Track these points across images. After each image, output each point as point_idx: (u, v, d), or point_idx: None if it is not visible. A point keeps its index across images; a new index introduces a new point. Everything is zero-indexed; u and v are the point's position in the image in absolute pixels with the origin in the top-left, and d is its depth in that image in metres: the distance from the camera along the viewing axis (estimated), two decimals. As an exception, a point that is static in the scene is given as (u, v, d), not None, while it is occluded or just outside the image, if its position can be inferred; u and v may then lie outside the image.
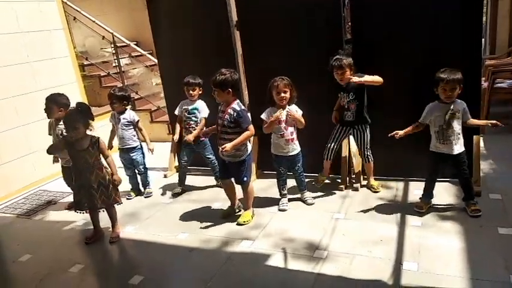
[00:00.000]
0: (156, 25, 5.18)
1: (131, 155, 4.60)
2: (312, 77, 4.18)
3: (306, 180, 4.21)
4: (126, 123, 4.53)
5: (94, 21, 7.25)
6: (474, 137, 3.97)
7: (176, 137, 4.62)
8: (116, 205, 3.89)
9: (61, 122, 4.25)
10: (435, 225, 3.43)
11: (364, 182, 4.31)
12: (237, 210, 4.06)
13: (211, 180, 4.83)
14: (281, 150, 3.95)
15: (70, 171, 4.28)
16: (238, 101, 3.71)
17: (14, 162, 5.22)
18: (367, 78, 3.82)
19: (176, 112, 4.66)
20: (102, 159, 3.76)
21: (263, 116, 3.88)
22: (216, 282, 3.04)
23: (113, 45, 7.20)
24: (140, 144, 4.67)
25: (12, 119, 5.19)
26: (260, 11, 4.49)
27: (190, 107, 4.53)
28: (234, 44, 4.68)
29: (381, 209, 3.82)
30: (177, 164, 5.26)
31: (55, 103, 4.26)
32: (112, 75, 7.50)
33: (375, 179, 4.24)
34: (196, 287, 3.05)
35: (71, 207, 4.54)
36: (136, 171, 4.73)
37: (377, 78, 3.83)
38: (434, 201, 3.72)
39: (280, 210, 4.02)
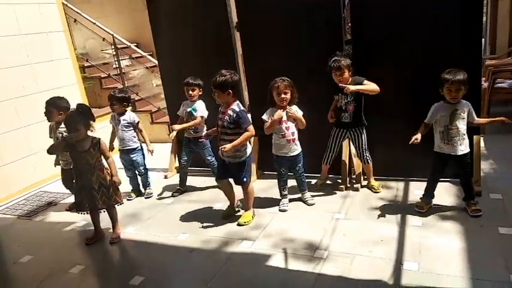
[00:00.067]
0: (156, 26, 5.19)
1: (131, 156, 4.60)
2: (312, 77, 4.19)
3: (307, 180, 4.21)
4: (126, 124, 4.54)
5: (94, 23, 7.26)
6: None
7: (173, 134, 4.59)
8: (116, 206, 3.89)
9: (61, 125, 4.26)
10: (436, 225, 3.43)
11: (365, 183, 4.30)
12: (237, 210, 4.06)
13: (211, 180, 4.83)
14: (282, 151, 3.95)
15: (69, 173, 4.31)
16: (238, 102, 3.71)
17: (15, 164, 5.23)
18: (363, 87, 3.83)
19: (178, 113, 4.67)
20: (103, 160, 3.76)
21: (264, 116, 3.88)
22: (216, 282, 3.04)
23: (113, 47, 7.21)
24: (140, 146, 4.67)
25: (13, 120, 5.21)
26: (260, 11, 4.50)
27: (189, 108, 4.53)
28: (234, 44, 4.69)
29: (381, 209, 3.82)
30: (177, 164, 5.27)
31: (55, 107, 4.27)
32: (112, 76, 7.52)
33: (375, 179, 4.24)
34: (197, 288, 3.05)
35: (71, 208, 4.55)
36: (137, 172, 4.74)
37: (373, 87, 3.83)
38: (434, 201, 3.71)
39: (280, 210, 4.02)
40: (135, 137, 4.61)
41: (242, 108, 3.71)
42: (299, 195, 4.20)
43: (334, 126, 4.18)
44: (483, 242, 3.13)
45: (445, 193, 3.90)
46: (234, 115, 3.62)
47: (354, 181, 4.36)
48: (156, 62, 5.90)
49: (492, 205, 3.63)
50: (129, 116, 4.59)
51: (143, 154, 4.70)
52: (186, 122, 4.55)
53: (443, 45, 3.87)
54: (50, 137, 4.44)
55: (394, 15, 3.99)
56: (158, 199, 4.68)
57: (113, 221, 3.90)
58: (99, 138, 3.73)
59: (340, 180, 4.39)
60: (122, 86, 7.03)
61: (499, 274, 2.75)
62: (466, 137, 3.47)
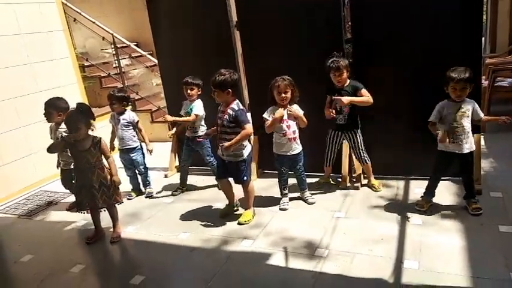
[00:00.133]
0: (156, 25, 5.19)
1: (131, 155, 4.60)
2: (312, 76, 4.18)
3: (307, 179, 4.21)
4: (126, 123, 4.54)
5: (94, 23, 7.26)
6: (475, 135, 3.95)
7: (171, 133, 4.57)
8: (116, 205, 3.90)
9: (61, 126, 4.26)
10: (436, 224, 3.43)
11: (365, 181, 4.31)
12: (236, 209, 4.06)
13: (212, 180, 4.82)
14: (283, 150, 3.95)
15: (68, 173, 4.33)
16: (237, 101, 3.71)
17: (15, 163, 5.23)
18: (357, 99, 3.88)
19: (181, 113, 4.67)
20: (104, 160, 3.76)
21: (265, 115, 3.87)
22: (216, 281, 3.05)
23: (113, 46, 7.21)
24: (140, 145, 4.67)
25: (13, 120, 5.20)
26: (260, 11, 4.49)
27: (188, 107, 4.53)
28: (234, 44, 4.69)
29: (381, 207, 3.82)
30: (177, 163, 5.27)
31: (54, 107, 4.27)
32: (112, 76, 7.52)
33: (376, 178, 4.24)
34: (197, 287, 3.05)
35: (71, 207, 4.55)
36: (137, 172, 4.74)
37: (367, 100, 3.88)
38: (435, 199, 3.71)
39: (281, 209, 4.03)
40: (134, 136, 4.61)
41: (241, 107, 3.71)
42: (299, 194, 4.20)
43: (330, 129, 4.19)
44: (483, 240, 3.13)
45: (446, 191, 3.90)
46: (233, 114, 3.62)
47: (354, 180, 4.36)
48: (156, 61, 5.90)
49: (492, 203, 3.63)
50: (129, 115, 4.59)
51: (143, 153, 4.70)
52: None
53: (443, 45, 3.86)
54: (51, 138, 4.44)
55: (394, 15, 3.99)
56: (158, 198, 4.68)
57: (113, 220, 3.90)
58: (100, 138, 3.73)
59: (340, 179, 4.40)
60: (121, 85, 7.03)
61: (499, 272, 2.75)
62: (471, 135, 3.46)
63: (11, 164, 5.18)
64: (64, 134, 4.21)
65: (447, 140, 3.40)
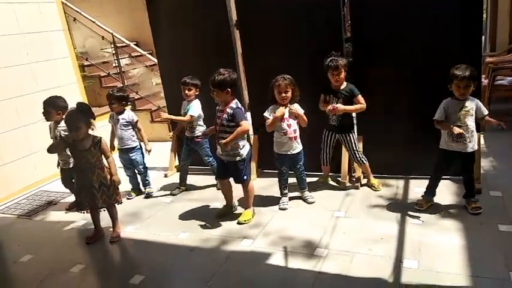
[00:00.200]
0: (156, 25, 5.19)
1: (130, 155, 4.60)
2: (312, 76, 4.17)
3: (307, 179, 4.20)
4: (125, 123, 4.53)
5: (94, 22, 7.25)
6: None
7: (171, 134, 4.57)
8: (116, 205, 3.89)
9: (60, 125, 4.26)
10: (435, 223, 3.43)
11: (365, 181, 4.30)
12: (234, 210, 4.07)
13: (211, 179, 4.83)
14: (283, 149, 3.95)
15: (68, 173, 4.32)
16: (236, 100, 3.71)
17: (15, 163, 5.23)
18: (351, 107, 3.95)
19: (182, 112, 4.67)
20: (104, 159, 3.76)
21: (266, 114, 3.87)
22: (216, 281, 3.05)
23: (112, 46, 7.21)
24: (139, 144, 4.66)
25: (12, 119, 5.20)
26: (260, 10, 4.49)
27: (186, 108, 4.53)
28: (234, 43, 4.68)
29: (381, 207, 3.82)
30: (177, 163, 5.27)
31: (53, 106, 4.26)
32: (112, 75, 7.51)
33: (376, 178, 4.24)
34: (197, 287, 3.05)
35: (71, 207, 4.56)
36: (136, 171, 4.74)
37: (360, 107, 3.95)
38: (435, 199, 3.70)
39: (280, 209, 4.03)
40: (134, 136, 4.60)
41: (239, 106, 3.71)
42: (299, 194, 4.20)
43: (324, 129, 4.19)
44: (483, 239, 3.13)
45: (446, 191, 3.90)
46: (231, 112, 3.62)
47: (354, 179, 4.36)
48: (156, 60, 5.90)
49: (492, 203, 3.63)
50: (128, 114, 4.58)
51: (142, 153, 4.69)
52: None
53: (443, 45, 3.86)
54: (50, 138, 4.44)
55: (394, 15, 3.98)
56: (158, 198, 4.68)
57: (113, 220, 3.90)
58: (100, 137, 3.73)
59: (340, 179, 4.40)
60: (121, 85, 7.03)
61: (499, 271, 2.75)
62: (475, 134, 3.44)
63: (11, 163, 5.18)
64: (63, 132, 4.21)
65: (461, 130, 3.31)
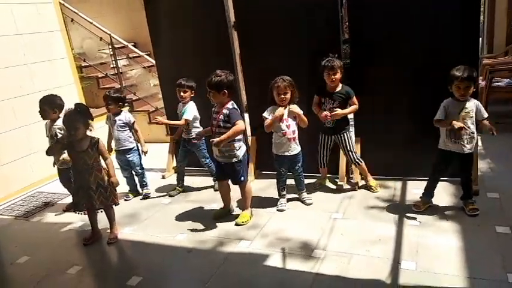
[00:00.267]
0: (154, 26, 5.18)
1: (127, 156, 4.58)
2: (311, 77, 4.17)
3: (305, 180, 4.20)
4: (122, 124, 4.52)
5: (92, 23, 7.24)
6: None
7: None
8: (113, 206, 3.88)
9: (55, 123, 4.25)
10: (433, 225, 3.43)
11: (362, 182, 4.31)
12: (231, 212, 4.07)
13: (209, 181, 4.83)
14: (282, 150, 3.94)
15: (66, 173, 4.30)
16: (232, 101, 3.70)
17: (12, 164, 5.21)
18: (347, 110, 3.97)
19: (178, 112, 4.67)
20: (102, 161, 3.75)
21: (265, 114, 3.87)
22: (214, 282, 3.04)
23: (110, 47, 7.19)
24: (136, 146, 4.65)
25: (10, 120, 5.19)
26: (259, 11, 4.48)
27: (181, 110, 4.53)
28: (231, 44, 4.68)
29: (379, 208, 3.82)
30: (175, 164, 5.26)
31: (49, 105, 4.25)
32: (110, 76, 7.49)
33: (375, 179, 4.24)
34: (195, 288, 3.05)
35: (68, 209, 4.54)
36: (134, 173, 4.73)
37: (354, 108, 4.00)
38: (432, 200, 3.71)
39: (278, 210, 4.02)
40: (131, 137, 4.59)
41: (235, 107, 3.70)
42: (297, 195, 4.20)
43: (320, 133, 4.19)
44: (480, 241, 3.14)
45: (443, 192, 3.91)
46: (227, 112, 3.62)
47: (352, 181, 4.37)
48: (154, 61, 5.89)
49: (489, 204, 3.63)
50: (125, 116, 4.57)
51: (139, 154, 4.68)
52: None
53: (443, 45, 3.86)
54: (46, 136, 4.44)
55: (394, 15, 3.99)
56: (156, 199, 4.67)
57: (110, 222, 3.89)
58: (98, 139, 3.72)
59: (337, 180, 4.40)
60: (119, 86, 7.02)
61: (496, 273, 2.76)
62: (474, 135, 3.43)
63: (8, 164, 5.17)
64: (58, 131, 4.20)
65: (462, 124, 3.29)
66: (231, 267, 3.22)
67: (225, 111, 3.63)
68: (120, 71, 7.30)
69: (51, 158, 4.42)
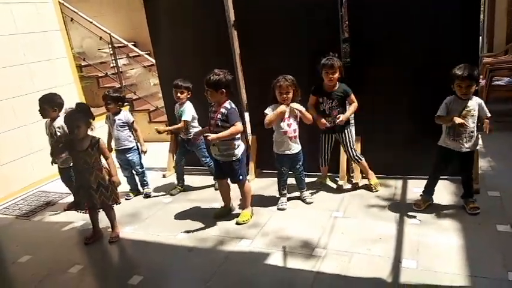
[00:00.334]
0: (154, 25, 5.18)
1: (127, 155, 4.58)
2: (311, 76, 4.16)
3: (305, 179, 4.20)
4: (121, 124, 4.52)
5: (91, 22, 7.24)
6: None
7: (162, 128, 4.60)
8: (114, 205, 3.89)
9: (55, 122, 4.25)
10: (434, 223, 3.44)
11: (363, 181, 4.31)
12: (231, 211, 4.07)
13: (210, 180, 4.82)
14: (282, 148, 3.94)
15: (67, 172, 4.30)
16: (230, 101, 3.70)
17: (13, 164, 5.21)
18: (349, 112, 3.97)
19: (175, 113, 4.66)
20: (103, 160, 3.76)
21: (267, 110, 3.86)
22: (215, 281, 3.05)
23: (110, 46, 7.19)
24: (136, 145, 4.65)
25: (10, 120, 5.19)
26: (259, 10, 4.48)
27: (179, 111, 4.52)
28: (231, 44, 4.68)
29: (379, 207, 3.83)
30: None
31: (48, 103, 4.25)
32: (110, 75, 7.50)
33: (375, 177, 4.24)
34: (196, 287, 3.05)
35: (70, 208, 4.55)
36: (134, 172, 4.73)
37: (354, 107, 3.99)
38: (433, 198, 3.71)
39: (279, 209, 4.03)
40: (130, 137, 4.58)
41: (233, 106, 3.70)
42: (297, 194, 4.20)
43: (321, 132, 4.18)
44: (481, 239, 3.14)
45: (444, 191, 3.91)
46: (226, 112, 3.62)
47: (353, 179, 4.37)
48: (154, 61, 5.89)
49: (490, 203, 3.64)
50: (124, 115, 4.57)
51: (139, 153, 4.68)
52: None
53: (443, 44, 3.86)
54: (46, 134, 4.44)
55: (394, 15, 3.98)
56: (156, 198, 4.68)
57: (111, 221, 3.89)
58: (99, 138, 3.72)
59: (338, 179, 4.40)
60: (119, 85, 7.02)
61: (497, 271, 2.76)
62: (474, 135, 3.42)
63: (9, 164, 5.17)
64: (57, 129, 4.20)
65: (463, 120, 3.30)
66: (231, 266, 3.22)
67: (223, 110, 3.64)
68: (120, 70, 7.30)
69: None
